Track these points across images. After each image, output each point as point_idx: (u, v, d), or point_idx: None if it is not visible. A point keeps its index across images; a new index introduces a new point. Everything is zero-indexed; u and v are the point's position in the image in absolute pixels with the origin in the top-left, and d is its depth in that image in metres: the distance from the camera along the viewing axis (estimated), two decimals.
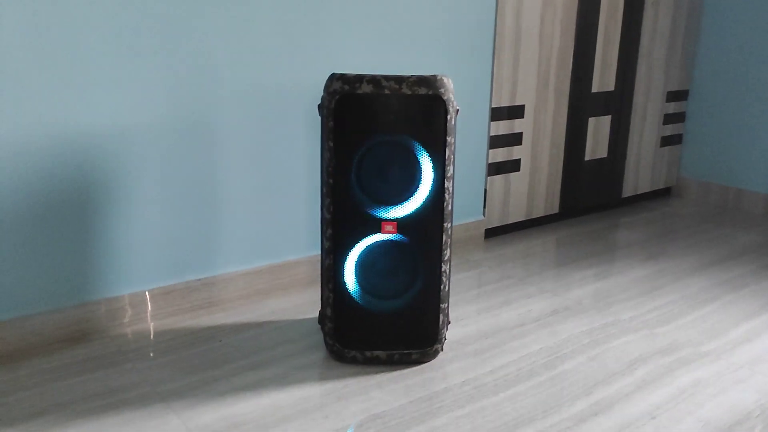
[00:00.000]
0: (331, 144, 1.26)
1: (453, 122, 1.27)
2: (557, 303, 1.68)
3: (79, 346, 1.42)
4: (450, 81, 1.27)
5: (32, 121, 1.31)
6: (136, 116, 1.42)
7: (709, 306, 1.68)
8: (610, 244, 2.14)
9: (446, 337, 1.46)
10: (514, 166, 2.13)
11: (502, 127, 2.07)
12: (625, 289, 1.77)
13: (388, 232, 1.30)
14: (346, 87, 1.24)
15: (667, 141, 2.62)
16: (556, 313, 1.62)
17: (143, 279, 1.51)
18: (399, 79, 1.24)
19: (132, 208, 1.46)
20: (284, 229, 1.70)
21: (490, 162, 2.07)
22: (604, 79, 2.31)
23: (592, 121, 2.32)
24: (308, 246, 1.75)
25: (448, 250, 1.33)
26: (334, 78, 1.24)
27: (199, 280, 1.58)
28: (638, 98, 2.44)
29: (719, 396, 1.28)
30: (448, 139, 1.27)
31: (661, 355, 1.43)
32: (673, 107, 2.59)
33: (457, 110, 1.29)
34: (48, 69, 1.30)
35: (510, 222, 2.19)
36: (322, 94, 1.53)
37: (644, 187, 2.59)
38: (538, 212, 2.26)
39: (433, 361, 1.38)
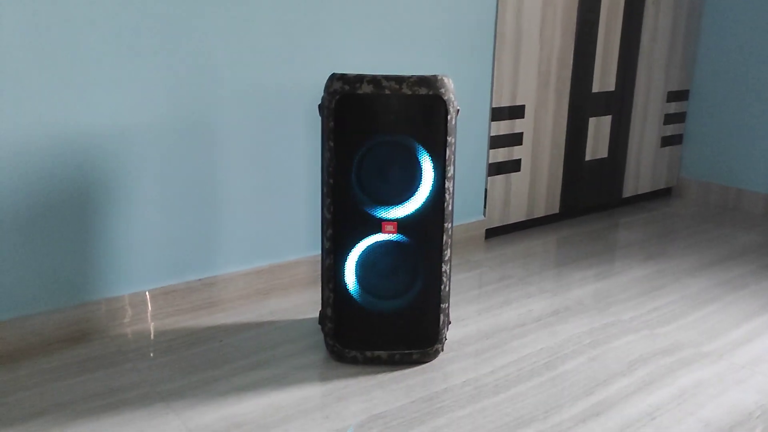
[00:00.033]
0: (332, 144, 1.26)
1: (453, 122, 1.27)
2: (558, 303, 1.68)
3: (79, 346, 1.42)
4: (450, 81, 1.27)
5: (32, 121, 1.31)
6: (136, 116, 1.42)
7: (709, 306, 1.68)
8: (610, 244, 2.13)
9: (447, 337, 1.46)
10: (514, 166, 2.13)
11: (502, 127, 2.06)
12: (626, 289, 1.77)
13: (389, 232, 1.30)
14: (347, 87, 1.24)
15: (667, 141, 2.61)
16: (557, 314, 1.62)
17: (143, 279, 1.51)
18: (399, 79, 1.24)
19: (132, 208, 1.46)
20: (284, 229, 1.69)
21: (490, 162, 2.07)
22: (604, 79, 2.31)
23: (592, 121, 2.32)
24: (308, 246, 1.75)
25: (449, 250, 1.33)
26: (334, 78, 1.24)
27: (200, 280, 1.58)
28: (638, 98, 2.44)
29: (720, 396, 1.27)
30: (449, 139, 1.27)
31: (662, 355, 1.43)
32: (673, 107, 2.59)
33: (458, 110, 1.29)
34: (48, 69, 1.30)
35: (510, 222, 2.19)
36: (322, 94, 1.53)
37: (645, 187, 2.59)
38: (539, 212, 2.26)
39: (433, 361, 1.38)
